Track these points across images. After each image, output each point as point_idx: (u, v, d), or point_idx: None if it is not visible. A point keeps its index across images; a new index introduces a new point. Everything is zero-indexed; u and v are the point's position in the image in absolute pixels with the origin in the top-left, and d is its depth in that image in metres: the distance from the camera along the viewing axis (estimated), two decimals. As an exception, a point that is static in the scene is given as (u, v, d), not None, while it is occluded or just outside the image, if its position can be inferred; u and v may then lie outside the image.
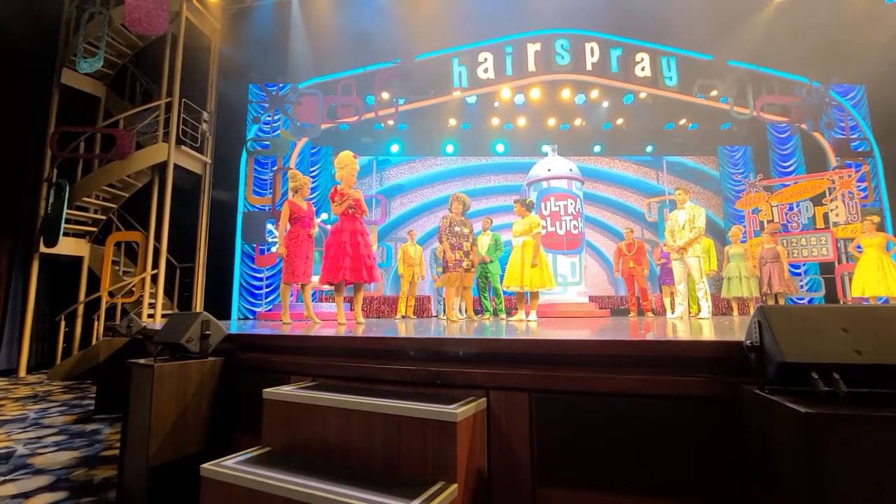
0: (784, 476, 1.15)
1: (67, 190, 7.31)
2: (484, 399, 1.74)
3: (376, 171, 11.86)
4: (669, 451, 1.54)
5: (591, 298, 9.01)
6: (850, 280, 9.10)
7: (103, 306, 7.56)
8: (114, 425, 3.83)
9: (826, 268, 9.63)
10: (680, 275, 5.71)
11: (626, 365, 1.67)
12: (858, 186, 9.40)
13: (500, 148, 11.98)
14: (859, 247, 7.18)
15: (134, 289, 7.82)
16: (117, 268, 8.24)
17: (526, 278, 5.11)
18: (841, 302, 8.89)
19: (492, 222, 7.62)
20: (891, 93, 9.67)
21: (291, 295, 8.53)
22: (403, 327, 3.76)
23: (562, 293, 8.12)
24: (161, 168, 8.11)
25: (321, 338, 2.54)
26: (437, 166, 12.05)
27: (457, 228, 5.29)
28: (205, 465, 1.56)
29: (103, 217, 8.21)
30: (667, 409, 1.56)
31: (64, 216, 7.25)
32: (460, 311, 6.27)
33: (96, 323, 7.55)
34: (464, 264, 5.24)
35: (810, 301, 9.55)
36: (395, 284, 10.50)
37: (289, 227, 4.53)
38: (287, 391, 1.88)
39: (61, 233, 7.27)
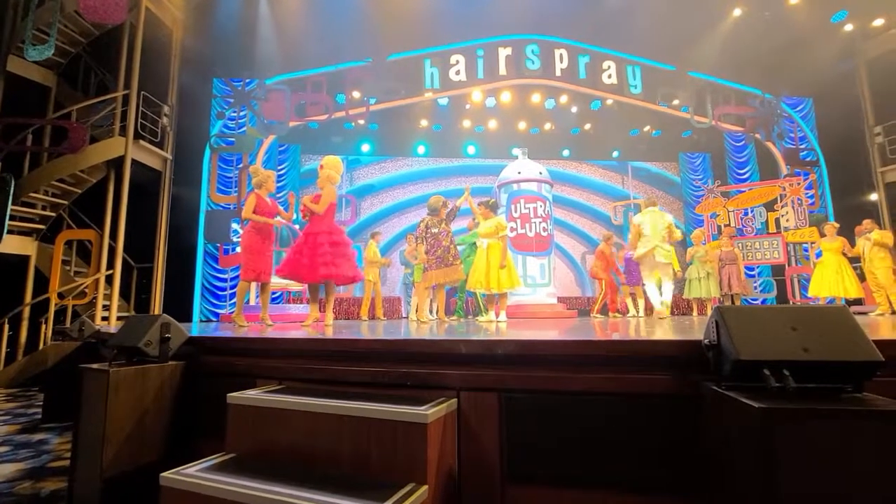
0: (740, 466, 1.21)
1: (13, 185, 6.83)
2: (454, 400, 1.74)
3: (346, 170, 11.70)
4: (635, 447, 1.59)
5: (559, 299, 9.19)
6: (800, 281, 9.68)
7: (52, 308, 7.13)
8: (63, 435, 3.62)
9: (777, 270, 10.19)
10: (648, 275, 5.88)
11: (592, 364, 1.71)
12: (806, 194, 10.00)
13: (471, 150, 12.07)
14: (819, 251, 7.59)
15: (87, 290, 7.41)
16: (68, 268, 7.79)
17: (493, 280, 5.17)
18: (791, 302, 9.43)
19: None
20: (835, 106, 10.36)
21: (257, 296, 8.30)
22: (373, 329, 3.73)
23: (531, 294, 8.24)
24: (117, 163, 7.72)
25: (288, 340, 2.49)
26: (408, 167, 12.01)
27: (434, 230, 5.32)
28: (164, 474, 1.50)
29: (52, 214, 7.73)
30: (632, 407, 1.61)
31: (8, 212, 6.78)
32: (430, 312, 6.28)
33: (44, 326, 7.11)
34: (447, 259, 5.22)
35: (763, 301, 10.07)
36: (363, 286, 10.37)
37: (249, 221, 4.36)
38: (252, 395, 1.83)
39: (5, 230, 6.79)
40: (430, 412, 1.52)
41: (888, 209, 9.75)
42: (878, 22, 9.77)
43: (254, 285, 5.82)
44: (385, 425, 1.54)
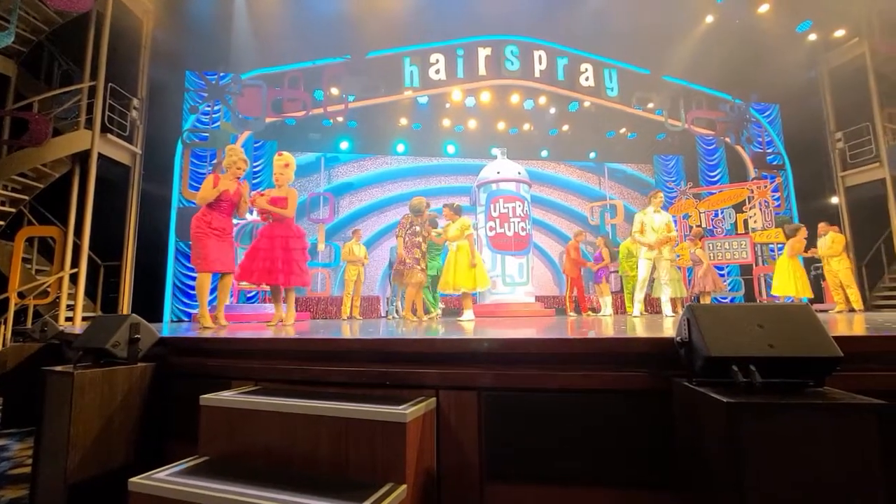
0: (711, 459, 1.25)
1: (-32, 178, 6.51)
2: (434, 399, 1.74)
3: (325, 168, 11.56)
4: (612, 443, 1.62)
5: (537, 298, 9.29)
6: (766, 280, 10.05)
7: (11, 308, 6.81)
8: (24, 440, 3.46)
9: (745, 269, 10.56)
10: (646, 274, 6.05)
11: (570, 362, 1.74)
12: (773, 196, 10.40)
13: (450, 149, 12.08)
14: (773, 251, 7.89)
15: (49, 289, 7.10)
16: (29, 266, 7.45)
17: (461, 279, 5.28)
18: (758, 301, 9.78)
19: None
20: (800, 112, 10.80)
21: (231, 296, 8.13)
22: (351, 328, 3.70)
23: (509, 293, 8.31)
24: (83, 157, 7.43)
25: (263, 340, 2.44)
26: (387, 165, 11.94)
27: (417, 228, 5.35)
28: (133, 479, 1.45)
29: (12, 210, 7.38)
30: (609, 404, 1.65)
31: (-36, 208, 6.46)
32: (398, 310, 6.32)
33: (2, 327, 6.78)
34: (420, 264, 5.29)
35: (732, 300, 10.42)
36: (342, 284, 10.28)
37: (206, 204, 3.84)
38: (226, 397, 1.78)
39: (-40, 226, 6.46)
40: (409, 411, 1.51)
41: (848, 212, 10.23)
42: (840, 33, 10.23)
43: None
44: (363, 425, 1.53)
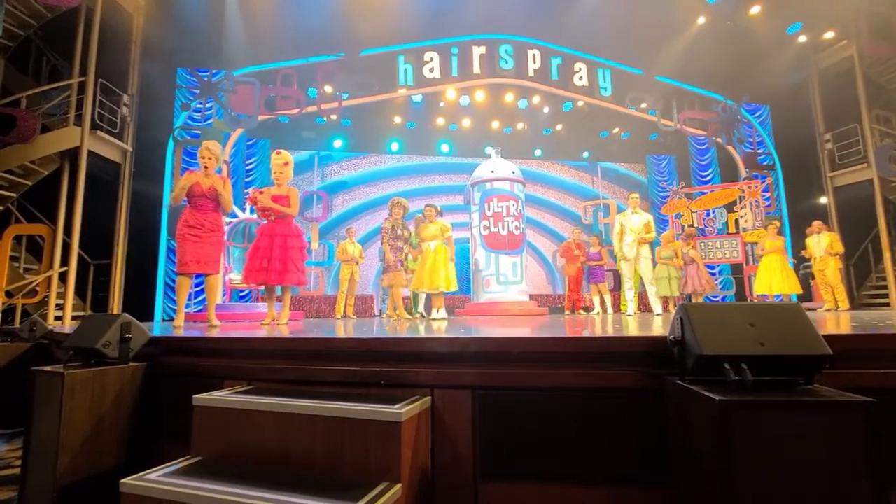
0: (702, 456, 1.26)
1: (-46, 175, 6.40)
2: (428, 398, 1.74)
3: (318, 166, 11.50)
4: (605, 441, 1.63)
5: (531, 297, 9.32)
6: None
7: (-1, 308, 6.72)
8: (12, 441, 3.42)
9: (736, 268, 10.67)
10: (629, 273, 6.12)
11: (563, 361, 1.75)
12: (763, 196, 10.50)
13: (444, 148, 12.07)
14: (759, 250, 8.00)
15: (38, 288, 7.00)
16: (17, 264, 7.34)
17: (435, 278, 5.41)
18: (748, 299, 9.88)
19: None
20: (790, 113, 10.91)
21: (224, 294, 8.07)
22: (345, 327, 3.69)
23: (503, 292, 8.34)
24: (72, 154, 7.32)
25: (256, 339, 2.43)
26: (381, 164, 11.90)
27: (399, 231, 5.46)
28: (125, 480, 1.43)
29: (0, 207, 7.27)
30: (602, 402, 1.66)
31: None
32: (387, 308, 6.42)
33: (-10, 327, 6.69)
34: (403, 265, 5.44)
35: (723, 299, 10.52)
36: (336, 283, 10.24)
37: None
38: (220, 396, 1.77)
39: (-54, 224, 6.35)
40: (404, 411, 1.51)
41: (836, 212, 10.36)
42: (829, 35, 10.34)
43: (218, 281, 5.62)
44: (358, 425, 1.53)
